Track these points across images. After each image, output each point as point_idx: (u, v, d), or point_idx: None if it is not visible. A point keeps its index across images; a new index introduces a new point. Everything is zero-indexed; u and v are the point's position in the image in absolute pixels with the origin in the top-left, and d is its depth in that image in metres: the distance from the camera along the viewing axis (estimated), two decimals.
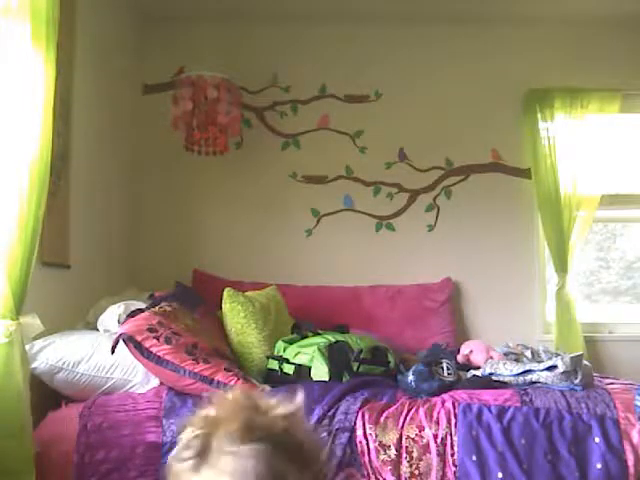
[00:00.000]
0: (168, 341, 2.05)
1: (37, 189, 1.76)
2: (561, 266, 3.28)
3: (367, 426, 1.90)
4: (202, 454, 0.69)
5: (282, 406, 0.73)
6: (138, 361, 2.06)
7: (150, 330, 2.06)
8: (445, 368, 2.26)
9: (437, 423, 1.91)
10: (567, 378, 2.10)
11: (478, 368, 2.37)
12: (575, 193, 3.29)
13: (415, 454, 1.87)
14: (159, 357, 2.01)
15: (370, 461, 1.86)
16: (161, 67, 3.49)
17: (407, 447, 1.88)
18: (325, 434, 1.87)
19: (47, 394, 2.10)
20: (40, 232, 1.81)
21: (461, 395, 2.03)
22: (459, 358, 2.53)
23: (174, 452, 0.73)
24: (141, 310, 2.19)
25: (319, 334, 2.52)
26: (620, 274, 3.75)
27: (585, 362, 2.21)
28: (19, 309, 1.75)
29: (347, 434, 1.89)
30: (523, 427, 1.90)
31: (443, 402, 1.99)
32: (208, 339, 2.25)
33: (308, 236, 3.44)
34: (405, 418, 1.93)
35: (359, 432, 1.89)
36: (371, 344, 2.45)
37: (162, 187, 3.46)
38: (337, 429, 1.90)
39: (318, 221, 3.45)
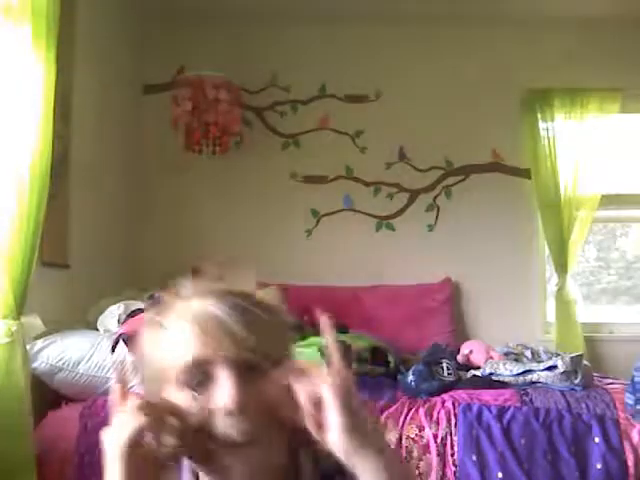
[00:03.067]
0: None
1: (37, 190, 1.77)
2: (561, 266, 3.28)
3: None
4: (165, 310, 0.73)
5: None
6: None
7: None
8: (445, 368, 2.26)
9: (437, 423, 1.91)
10: (567, 378, 2.10)
11: (478, 368, 2.37)
12: (575, 193, 3.29)
13: (415, 454, 1.87)
14: None
15: None
16: (161, 67, 3.48)
17: (407, 447, 1.88)
18: None
19: (47, 394, 2.10)
20: (40, 232, 1.81)
21: (461, 395, 2.03)
22: (459, 358, 2.53)
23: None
24: (141, 310, 2.19)
25: (320, 334, 2.51)
26: (620, 274, 3.74)
27: (585, 362, 2.21)
28: (20, 309, 1.76)
29: None
30: (523, 427, 1.90)
31: (443, 402, 1.99)
32: None
33: (308, 236, 3.44)
34: (405, 418, 1.93)
35: None
36: (371, 344, 2.45)
37: (162, 187, 3.46)
38: None
39: (318, 221, 3.45)
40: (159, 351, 0.71)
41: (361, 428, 0.65)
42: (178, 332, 0.70)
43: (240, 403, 0.66)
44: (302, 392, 0.66)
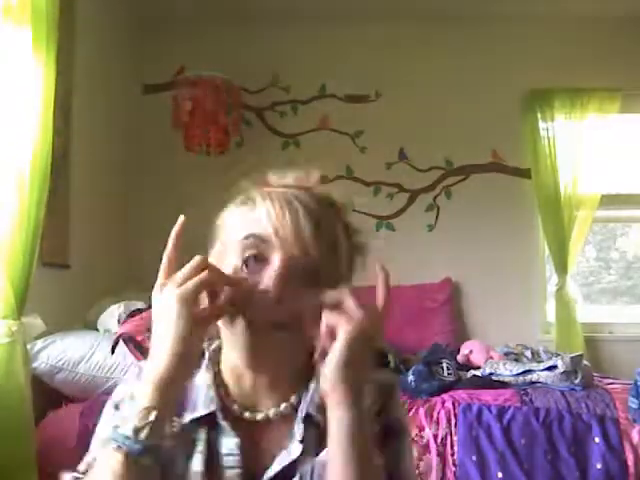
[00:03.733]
0: None
1: (37, 189, 1.77)
2: (561, 266, 3.28)
3: None
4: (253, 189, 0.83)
5: None
6: (138, 361, 2.06)
7: (150, 330, 2.06)
8: (445, 368, 2.26)
9: (437, 423, 1.91)
10: (567, 378, 2.10)
11: (478, 368, 2.37)
12: (575, 193, 3.29)
13: (415, 454, 1.87)
14: None
15: None
16: (161, 67, 3.48)
17: None
18: None
19: (47, 394, 2.10)
20: (40, 232, 1.81)
21: (461, 395, 2.03)
22: (459, 358, 2.53)
23: None
24: (141, 310, 2.19)
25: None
26: (620, 274, 3.74)
27: (585, 362, 2.21)
28: (21, 309, 1.76)
29: None
30: (523, 427, 1.90)
31: (443, 402, 1.99)
32: None
33: None
34: None
35: None
36: None
37: (162, 187, 3.46)
38: None
39: None
40: (237, 219, 0.78)
41: (352, 378, 0.66)
42: (259, 207, 0.74)
43: (278, 294, 0.69)
44: (326, 319, 0.68)
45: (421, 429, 1.90)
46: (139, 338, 2.02)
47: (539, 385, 2.13)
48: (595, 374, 2.35)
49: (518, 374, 2.19)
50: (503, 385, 2.17)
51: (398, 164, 3.46)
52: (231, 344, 0.75)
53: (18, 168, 1.73)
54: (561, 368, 2.11)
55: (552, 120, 3.36)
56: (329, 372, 0.66)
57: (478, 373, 2.29)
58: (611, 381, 2.32)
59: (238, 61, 3.45)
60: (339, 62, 3.50)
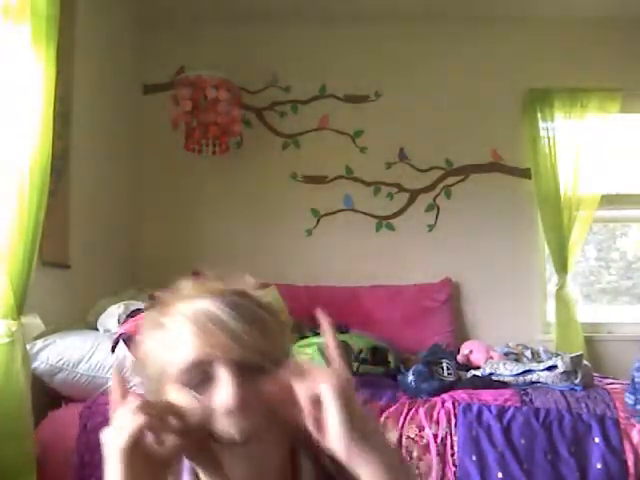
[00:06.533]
0: None
1: (37, 189, 1.77)
2: (561, 266, 3.28)
3: None
4: (166, 309, 0.74)
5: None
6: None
7: None
8: (445, 368, 2.26)
9: (437, 423, 1.91)
10: (567, 378, 2.10)
11: (478, 368, 2.37)
12: (575, 193, 3.29)
13: (415, 454, 1.87)
14: None
15: None
16: (161, 67, 3.49)
17: (407, 447, 1.88)
18: None
19: (47, 394, 2.10)
20: (40, 232, 1.81)
21: (461, 395, 2.03)
22: (459, 358, 2.53)
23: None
24: (141, 310, 2.19)
25: (319, 334, 2.52)
26: (620, 274, 3.74)
27: (585, 362, 2.21)
28: (20, 309, 1.76)
29: None
30: (523, 427, 1.90)
31: (443, 402, 1.99)
32: None
33: (308, 236, 3.44)
34: (405, 418, 1.93)
35: None
36: (371, 344, 2.44)
37: (162, 187, 3.47)
38: None
39: (318, 221, 3.45)
40: (159, 350, 0.72)
41: (361, 429, 0.65)
42: (178, 331, 0.70)
43: (240, 402, 0.66)
44: (302, 392, 0.66)
45: (421, 429, 1.90)
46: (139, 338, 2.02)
47: (539, 385, 2.13)
48: (595, 374, 2.35)
49: (518, 374, 2.19)
50: (503, 385, 2.17)
51: (398, 164, 3.47)
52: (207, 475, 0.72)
53: (18, 168, 1.73)
54: (561, 368, 2.10)
55: (552, 120, 3.36)
56: (338, 435, 0.64)
57: (478, 373, 2.29)
58: (611, 381, 2.32)
59: (238, 61, 3.45)
60: (339, 62, 3.50)
